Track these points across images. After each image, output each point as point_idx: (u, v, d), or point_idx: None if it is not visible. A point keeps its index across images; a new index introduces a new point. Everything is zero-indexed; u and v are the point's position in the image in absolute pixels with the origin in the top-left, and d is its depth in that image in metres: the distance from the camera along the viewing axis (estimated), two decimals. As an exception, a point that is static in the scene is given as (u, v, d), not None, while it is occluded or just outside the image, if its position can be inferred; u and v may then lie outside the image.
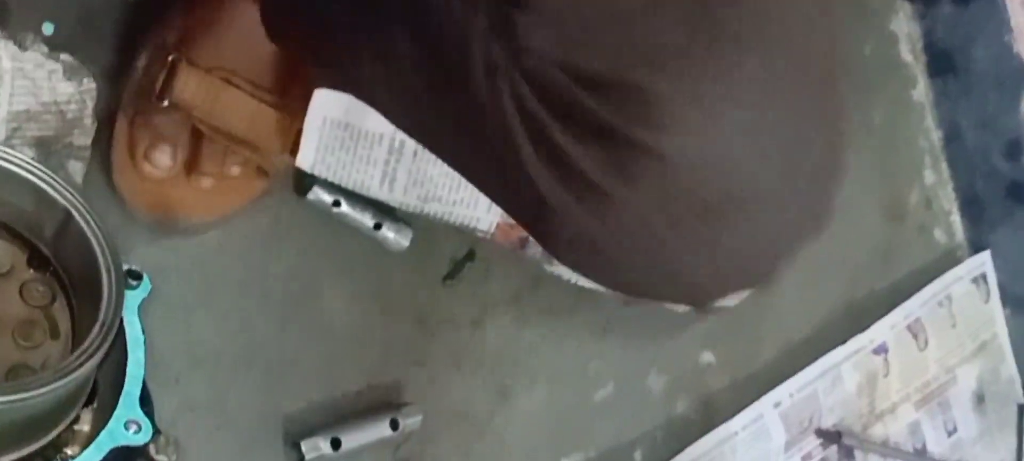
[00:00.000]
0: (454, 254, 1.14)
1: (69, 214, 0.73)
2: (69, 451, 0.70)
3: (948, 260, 1.45)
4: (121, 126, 0.94)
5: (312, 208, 1.05)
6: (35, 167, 0.72)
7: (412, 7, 0.68)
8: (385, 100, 0.75)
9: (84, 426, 0.71)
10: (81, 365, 0.66)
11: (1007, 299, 1.47)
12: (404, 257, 1.11)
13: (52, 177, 0.73)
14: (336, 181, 1.04)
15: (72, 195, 0.73)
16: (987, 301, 1.46)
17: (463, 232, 1.09)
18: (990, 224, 1.46)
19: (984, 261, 1.46)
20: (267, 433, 1.04)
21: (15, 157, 0.74)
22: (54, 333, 0.73)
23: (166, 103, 0.92)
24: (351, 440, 1.05)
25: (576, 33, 0.63)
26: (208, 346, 1.01)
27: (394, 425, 1.07)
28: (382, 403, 1.09)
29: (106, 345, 0.68)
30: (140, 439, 0.71)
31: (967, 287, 1.45)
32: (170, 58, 0.92)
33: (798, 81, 0.67)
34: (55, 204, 0.73)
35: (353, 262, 1.09)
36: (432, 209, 1.07)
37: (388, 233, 1.09)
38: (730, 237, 0.67)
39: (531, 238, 0.80)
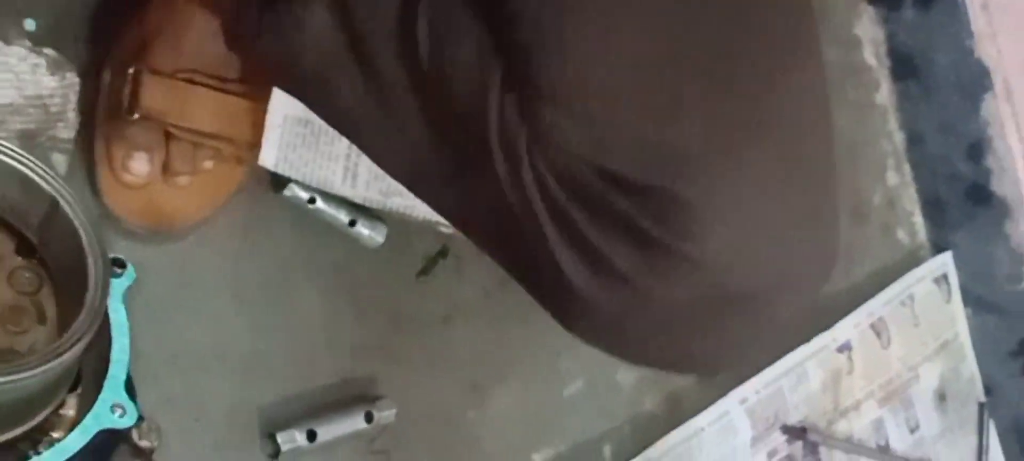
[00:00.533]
0: (427, 251, 1.16)
1: (55, 203, 0.74)
2: (55, 435, 0.71)
3: (911, 260, 1.48)
4: (99, 146, 0.95)
5: (288, 205, 1.07)
6: (23, 156, 0.74)
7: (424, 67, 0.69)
8: (375, 144, 0.76)
9: (69, 411, 0.73)
10: (70, 348, 0.67)
11: (968, 299, 1.49)
12: (378, 254, 1.12)
13: (39, 166, 0.74)
14: (299, 178, 1.05)
15: (58, 184, 0.75)
16: (949, 301, 1.49)
17: (433, 229, 1.11)
18: (952, 225, 1.49)
19: (946, 262, 1.48)
20: (244, 425, 1.05)
21: (3, 146, 0.75)
22: (41, 319, 0.75)
23: (136, 116, 0.93)
24: (326, 432, 1.07)
25: (603, 133, 0.64)
26: (186, 340, 1.02)
27: (368, 418, 1.09)
28: (357, 397, 1.10)
29: (93, 329, 0.69)
30: (125, 422, 0.73)
31: (929, 287, 1.47)
32: (131, 71, 0.93)
33: (807, 175, 0.70)
34: (42, 192, 0.74)
35: (328, 258, 1.11)
36: (395, 204, 1.08)
37: (362, 230, 1.11)
38: (746, 323, 0.71)
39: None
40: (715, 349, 0.73)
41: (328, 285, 1.10)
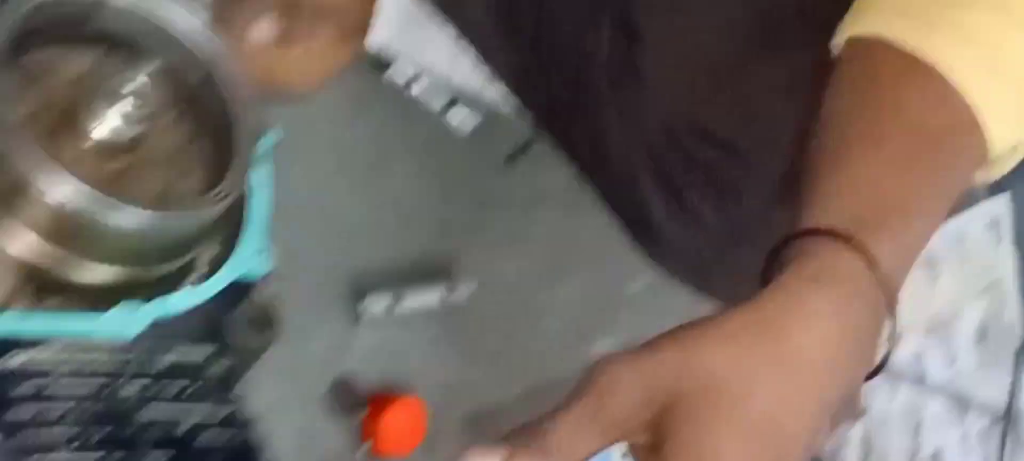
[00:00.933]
0: (516, 141, 1.22)
1: (211, 61, 0.80)
2: (195, 275, 0.78)
3: (966, 199, 1.52)
4: (221, 10, 1.01)
5: (389, 85, 1.13)
6: (185, 15, 0.79)
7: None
8: (492, 56, 0.81)
9: (209, 253, 0.79)
10: (223, 199, 0.74)
11: (1020, 243, 1.53)
12: (469, 139, 1.19)
13: (198, 27, 0.80)
14: (404, 59, 1.12)
15: (212, 43, 0.80)
16: (999, 244, 1.53)
17: (523, 121, 1.17)
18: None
19: (1001, 204, 1.52)
20: (333, 287, 1.12)
21: (167, 6, 0.80)
22: (196, 168, 0.81)
23: None
24: (408, 302, 1.14)
25: (698, 88, 0.68)
26: (289, 200, 1.09)
27: (447, 293, 1.16)
28: (437, 272, 1.17)
29: (244, 183, 0.76)
30: (261, 270, 0.80)
31: (982, 228, 1.51)
32: None
33: None
34: (199, 50, 0.80)
35: (422, 139, 1.17)
36: (490, 94, 1.14)
37: (456, 116, 1.17)
38: None
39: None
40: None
41: (420, 165, 1.16)
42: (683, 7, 0.67)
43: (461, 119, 1.17)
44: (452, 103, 1.16)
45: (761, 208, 0.70)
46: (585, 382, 0.61)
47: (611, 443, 0.60)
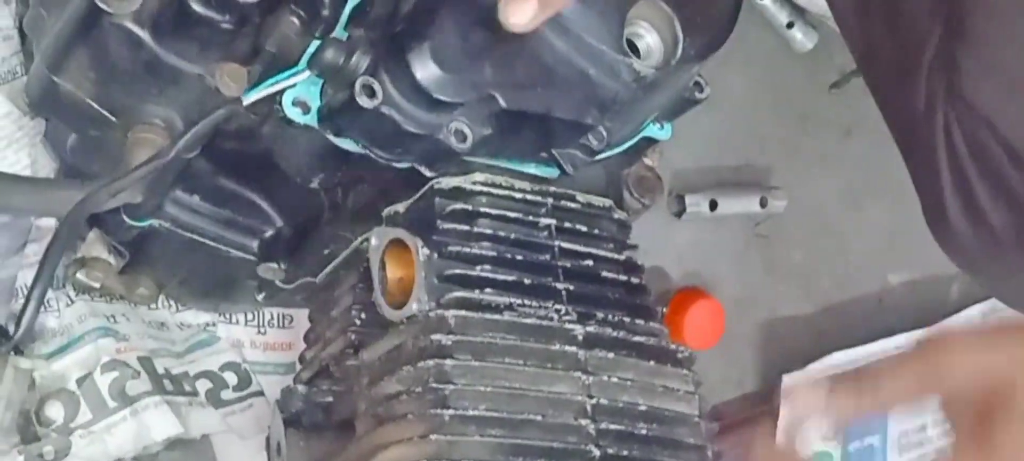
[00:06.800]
0: (844, 66, 1.24)
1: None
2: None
3: None
4: None
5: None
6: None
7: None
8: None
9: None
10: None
11: None
12: (803, 58, 1.22)
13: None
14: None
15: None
16: None
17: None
18: None
19: None
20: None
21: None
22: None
23: None
24: (725, 206, 1.18)
25: (1012, 107, 0.70)
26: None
27: (763, 203, 1.20)
28: (755, 182, 1.21)
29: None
30: (661, 136, 0.83)
31: None
32: None
33: None
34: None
35: (762, 52, 1.21)
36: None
37: (797, 33, 1.20)
38: None
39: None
40: None
41: (755, 76, 1.20)
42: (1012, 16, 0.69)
43: (802, 36, 1.20)
44: (796, 20, 1.19)
45: None
46: (924, 348, 0.66)
47: (927, 404, 0.66)
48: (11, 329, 0.80)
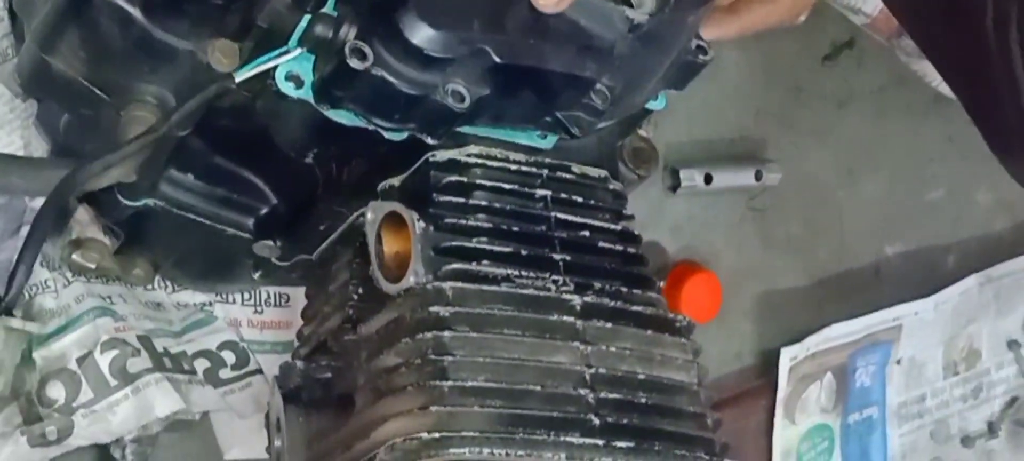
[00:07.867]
0: (836, 39, 1.24)
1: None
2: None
3: None
4: None
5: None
6: None
7: None
8: None
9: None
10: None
11: None
12: (796, 31, 1.21)
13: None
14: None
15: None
16: None
17: (846, 19, 1.19)
18: None
19: None
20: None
21: None
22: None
23: None
24: (720, 180, 1.18)
25: None
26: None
27: (758, 176, 1.20)
28: (749, 155, 1.21)
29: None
30: (657, 105, 0.82)
31: None
32: None
33: None
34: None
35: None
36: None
37: (788, 5, 1.20)
38: None
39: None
40: None
41: (748, 49, 1.20)
42: None
43: (793, 9, 1.20)
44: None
45: None
46: None
47: None
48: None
